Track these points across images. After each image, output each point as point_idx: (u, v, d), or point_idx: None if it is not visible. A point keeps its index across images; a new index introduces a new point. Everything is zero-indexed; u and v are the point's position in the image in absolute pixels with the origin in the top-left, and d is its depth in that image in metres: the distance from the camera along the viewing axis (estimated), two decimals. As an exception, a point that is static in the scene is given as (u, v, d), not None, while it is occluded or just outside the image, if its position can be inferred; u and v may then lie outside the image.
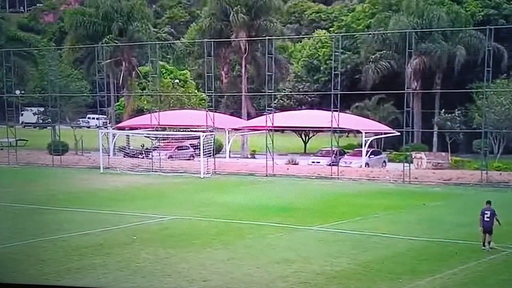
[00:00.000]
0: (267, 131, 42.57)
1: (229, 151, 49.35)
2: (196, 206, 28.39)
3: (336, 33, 60.50)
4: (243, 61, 55.04)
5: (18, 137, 53.04)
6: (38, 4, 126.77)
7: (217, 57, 52.93)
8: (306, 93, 63.86)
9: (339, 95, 41.22)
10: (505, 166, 39.90)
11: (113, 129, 53.01)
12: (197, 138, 43.94)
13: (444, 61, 51.51)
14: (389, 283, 16.25)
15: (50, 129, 55.37)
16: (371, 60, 55.00)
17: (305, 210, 27.47)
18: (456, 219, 25.28)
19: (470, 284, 16.43)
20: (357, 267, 17.71)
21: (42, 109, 60.35)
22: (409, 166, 38.78)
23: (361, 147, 45.52)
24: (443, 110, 50.59)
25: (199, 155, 41.50)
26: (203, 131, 43.42)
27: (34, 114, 62.51)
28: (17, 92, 56.04)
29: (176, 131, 50.52)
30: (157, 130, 47.12)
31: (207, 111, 45.42)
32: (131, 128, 53.12)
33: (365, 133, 45.66)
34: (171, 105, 54.53)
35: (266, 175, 40.77)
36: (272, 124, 42.45)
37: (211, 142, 42.40)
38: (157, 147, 47.29)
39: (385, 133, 47.86)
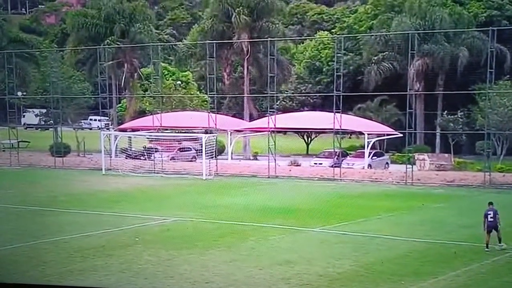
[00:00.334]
0: (269, 132, 42.51)
1: (231, 153, 49.27)
2: (198, 207, 28.33)
3: (338, 34, 60.52)
4: (245, 62, 55.04)
5: (20, 138, 53.02)
6: (40, 6, 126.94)
7: (219, 59, 52.91)
8: (308, 94, 63.72)
9: (341, 96, 41.12)
10: (508, 167, 39.76)
11: (115, 130, 53.07)
12: (195, 140, 43.95)
13: (447, 63, 51.42)
14: (391, 285, 16.18)
15: (52, 130, 55.56)
16: (374, 61, 54.96)
17: (307, 211, 27.40)
18: (459, 220, 25.23)
19: (473, 286, 16.37)
20: (359, 269, 17.64)
21: (44, 110, 60.28)
22: (412, 167, 38.73)
23: (364, 149, 45.41)
24: (446, 111, 50.39)
25: (201, 157, 41.38)
26: (205, 132, 43.31)
27: (36, 115, 62.39)
28: (19, 93, 55.92)
29: (178, 132, 50.49)
30: (158, 132, 47.04)
31: (209, 113, 45.35)
32: (133, 130, 53.01)
33: (368, 134, 45.53)
34: (173, 106, 54.45)
35: (269, 177, 40.70)
36: (274, 125, 42.36)
37: (213, 144, 42.28)
38: (150, 148, 47.24)
39: (387, 135, 47.75)
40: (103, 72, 49.64)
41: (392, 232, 22.69)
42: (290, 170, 42.27)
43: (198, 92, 62.77)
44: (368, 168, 42.77)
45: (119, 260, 18.51)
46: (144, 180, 39.51)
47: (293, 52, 74.11)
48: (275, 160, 41.52)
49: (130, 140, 51.22)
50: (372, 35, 56.44)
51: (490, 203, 20.38)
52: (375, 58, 55.06)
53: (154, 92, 52.85)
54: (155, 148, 46.74)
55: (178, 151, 48.35)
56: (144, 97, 57.76)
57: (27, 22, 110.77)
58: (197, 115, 50.70)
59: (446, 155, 45.26)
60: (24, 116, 70.00)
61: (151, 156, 45.06)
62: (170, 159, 45.94)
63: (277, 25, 54.13)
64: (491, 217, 19.78)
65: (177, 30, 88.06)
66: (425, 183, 37.30)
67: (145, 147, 48.13)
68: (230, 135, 49.41)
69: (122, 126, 55.26)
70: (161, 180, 39.50)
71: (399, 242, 21.23)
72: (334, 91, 41.77)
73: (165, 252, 19.42)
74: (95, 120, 73.26)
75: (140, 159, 46.41)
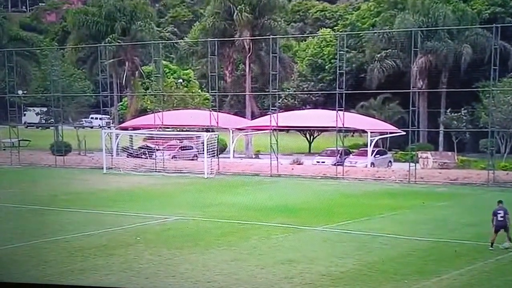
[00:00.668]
0: (272, 130, 42.35)
1: (233, 151, 49.12)
2: (200, 206, 28.22)
3: (341, 31, 60.56)
4: (247, 60, 54.84)
5: (21, 137, 52.79)
6: (40, 4, 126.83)
7: (221, 57, 52.78)
8: (310, 92, 63.53)
9: (344, 94, 40.90)
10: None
11: (116, 129, 52.88)
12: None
13: (450, 60, 51.09)
14: (395, 284, 16.07)
15: (53, 129, 55.53)
16: (376, 59, 54.69)
17: (310, 210, 27.31)
18: (462, 219, 25.14)
19: (476, 285, 16.26)
20: (362, 268, 17.54)
21: (44, 109, 60.17)
22: (415, 166, 38.53)
23: (367, 147, 45.25)
24: (449, 109, 50.21)
25: (201, 155, 41.22)
26: (206, 131, 43.15)
27: (37, 114, 62.26)
28: (20, 92, 55.79)
29: (179, 131, 50.31)
30: (158, 130, 46.91)
31: (210, 111, 45.18)
32: (134, 128, 52.97)
33: (371, 132, 45.39)
34: (175, 105, 54.32)
35: (271, 175, 40.57)
36: (277, 123, 42.23)
37: (214, 142, 42.11)
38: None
39: (390, 133, 47.55)
40: (104, 71, 49.48)
41: (395, 230, 22.59)
42: (292, 169, 42.13)
43: (199, 90, 62.66)
44: (371, 166, 42.56)
45: (120, 259, 18.43)
46: (145, 179, 39.39)
47: (296, 49, 73.93)
48: (277, 158, 41.37)
49: (131, 138, 51.05)
50: (375, 33, 56.16)
51: (500, 202, 20.07)
52: (378, 55, 54.80)
53: (156, 90, 52.67)
54: (149, 147, 46.53)
55: (180, 150, 48.14)
56: (146, 95, 57.61)
57: (28, 20, 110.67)
58: (199, 113, 50.58)
59: (450, 153, 45.07)
60: (24, 114, 69.98)
61: (152, 154, 44.76)
62: (172, 158, 45.76)
63: (279, 23, 53.95)
64: (501, 216, 19.52)
65: (178, 28, 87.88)
66: (428, 182, 37.16)
67: (143, 146, 47.92)
68: (232, 133, 49.22)
69: (123, 125, 55.13)
70: (162, 179, 39.37)
71: (402, 241, 21.12)
72: (337, 89, 41.59)
73: (167, 251, 19.32)
74: (96, 118, 73.23)
75: (141, 157, 46.25)
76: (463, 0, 54.58)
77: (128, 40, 54.31)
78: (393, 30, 52.17)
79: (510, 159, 41.99)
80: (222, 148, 47.85)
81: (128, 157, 46.86)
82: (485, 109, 44.64)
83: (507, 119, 42.42)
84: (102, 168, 42.64)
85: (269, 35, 46.84)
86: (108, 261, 18.20)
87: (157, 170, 42.36)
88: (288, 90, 64.29)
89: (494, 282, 16.51)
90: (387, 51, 54.32)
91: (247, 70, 55.63)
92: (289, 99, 64.31)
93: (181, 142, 49.66)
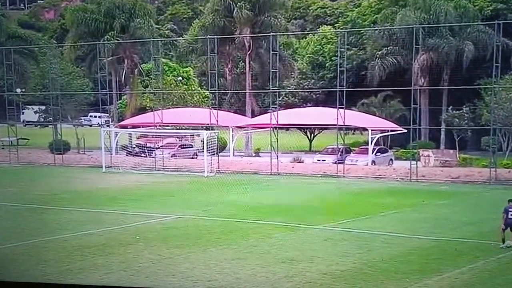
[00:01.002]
0: (272, 129, 42.17)
1: (233, 149, 48.99)
2: (200, 205, 28.04)
3: (341, 29, 60.02)
4: (247, 58, 54.71)
5: (19, 136, 52.67)
6: (38, 1, 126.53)
7: (221, 54, 52.70)
8: (311, 90, 63.41)
9: (345, 92, 40.66)
10: None
11: (116, 127, 52.70)
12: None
13: (452, 57, 50.81)
14: (396, 283, 15.90)
15: (51, 127, 55.05)
16: (377, 56, 54.42)
17: (310, 209, 27.14)
18: (464, 217, 24.99)
19: (478, 284, 16.08)
20: (363, 266, 17.37)
21: (43, 107, 59.94)
22: (416, 164, 38.41)
23: (367, 145, 45.08)
24: (451, 107, 49.88)
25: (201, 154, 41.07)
26: (206, 129, 43.01)
27: (35, 112, 62.03)
28: (18, 90, 55.65)
29: (179, 129, 50.14)
30: (158, 129, 46.74)
31: (210, 109, 44.96)
32: (134, 127, 52.78)
33: (372, 130, 45.25)
34: (174, 103, 54.13)
35: (271, 174, 40.42)
36: (277, 121, 42.06)
37: (214, 140, 41.90)
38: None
39: (391, 131, 47.39)
40: (103, 68, 49.28)
41: (396, 229, 22.42)
42: (292, 167, 41.97)
43: (199, 88, 62.44)
44: (372, 164, 42.42)
45: (119, 258, 18.29)
46: (145, 177, 39.26)
47: (296, 47, 73.69)
48: (277, 156, 41.21)
49: (131, 137, 50.90)
50: (376, 30, 55.93)
51: (511, 200, 19.82)
52: (379, 52, 54.52)
53: (155, 88, 52.42)
54: (144, 145, 46.42)
55: (179, 148, 47.99)
56: (145, 93, 57.40)
57: (26, 18, 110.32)
58: (199, 112, 50.39)
59: (451, 151, 44.83)
60: (23, 113, 69.79)
61: (152, 153, 44.59)
62: (171, 156, 45.64)
63: (279, 20, 53.69)
64: (511, 214, 19.29)
65: (177, 25, 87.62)
66: (429, 180, 37.05)
67: (145, 144, 47.75)
68: (232, 131, 49.13)
69: (122, 123, 54.92)
70: (162, 178, 39.23)
71: (403, 239, 20.95)
72: (338, 87, 41.36)
73: (166, 250, 19.17)
74: (95, 116, 72.97)
75: (141, 156, 46.07)
76: (465, -4, 54.33)
77: (127, 37, 54.18)
78: (394, 27, 52.04)
79: (513, 157, 41.79)
80: (222, 147, 47.67)
81: (127, 155, 46.74)
82: (487, 107, 44.45)
83: (509, 117, 42.26)
84: (102, 167, 42.46)
85: (269, 33, 46.75)
86: (108, 260, 18.08)
87: (156, 169, 42.23)
88: (288, 88, 64.09)
89: (496, 280, 16.36)
90: (388, 48, 54.01)
91: (247, 67, 55.46)
92: (290, 97, 64.16)
93: (181, 140, 49.44)
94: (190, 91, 58.19)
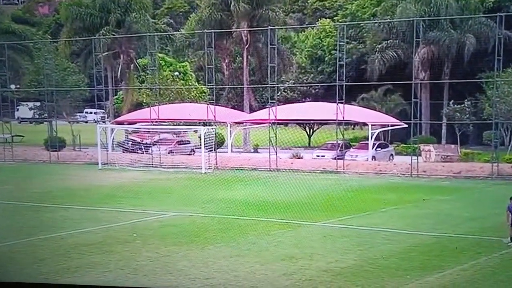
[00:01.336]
0: (270, 124, 41.98)
1: (231, 145, 48.76)
2: (197, 202, 27.95)
3: (341, 22, 59.70)
4: (245, 52, 54.35)
5: (14, 133, 52.60)
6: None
7: (218, 49, 52.38)
8: (310, 84, 62.97)
9: (344, 86, 40.37)
10: None
11: (112, 123, 52.50)
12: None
13: (453, 50, 50.46)
14: (397, 280, 15.75)
15: (46, 124, 54.87)
16: (377, 49, 54.19)
17: (309, 205, 27.03)
18: (465, 213, 24.92)
19: (480, 280, 15.93)
20: (363, 263, 17.27)
21: (38, 103, 59.58)
22: (417, 159, 38.28)
23: (368, 140, 44.91)
24: (452, 101, 49.66)
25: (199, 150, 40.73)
26: (204, 125, 42.67)
27: (30, 109, 61.61)
28: (12, 86, 55.30)
29: (176, 125, 49.78)
30: (155, 125, 46.42)
31: (208, 104, 44.70)
32: (130, 123, 52.60)
33: (372, 125, 45.09)
34: (171, 98, 53.79)
35: (270, 170, 40.27)
36: (275, 117, 41.85)
37: (212, 136, 41.52)
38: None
39: (392, 125, 47.28)
40: (99, 64, 49.04)
41: (397, 225, 22.33)
42: (291, 163, 41.77)
43: (196, 83, 62.06)
44: (372, 160, 42.26)
45: (117, 256, 18.20)
46: (141, 174, 39.18)
47: (294, 41, 73.43)
48: (276, 152, 41.03)
49: (127, 133, 50.57)
50: (376, 23, 55.61)
51: None
52: (379, 46, 54.33)
53: (151, 83, 52.04)
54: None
55: (176, 144, 47.68)
56: (141, 88, 57.02)
57: (20, 13, 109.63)
58: (196, 107, 50.09)
59: (453, 146, 44.62)
60: (17, 109, 69.44)
61: (149, 149, 44.35)
62: (168, 153, 45.43)
63: (277, 13, 53.36)
64: None
65: (174, 19, 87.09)
66: (430, 175, 36.99)
67: (142, 140, 47.33)
68: (230, 127, 48.89)
69: (118, 119, 54.76)
70: (159, 174, 39.14)
71: (404, 236, 20.84)
72: (337, 81, 41.09)
73: (164, 248, 19.09)
74: (91, 113, 73.05)
75: (137, 152, 45.83)
76: (466, -12, 53.80)
77: (123, 32, 53.85)
78: (395, 20, 51.72)
79: (515, 152, 41.65)
80: (219, 143, 47.46)
81: (123, 152, 46.45)
82: (489, 101, 44.14)
83: (511, 111, 41.80)
84: (98, 164, 42.29)
85: (267, 26, 46.34)
86: (105, 258, 17.98)
87: (153, 165, 42.07)
88: (287, 83, 63.75)
89: (498, 277, 16.22)
90: (388, 41, 53.72)
91: (244, 62, 55.15)
92: (288, 91, 63.75)
93: (178, 136, 49.09)
94: (187, 87, 57.79)
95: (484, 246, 19.20)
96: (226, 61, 56.96)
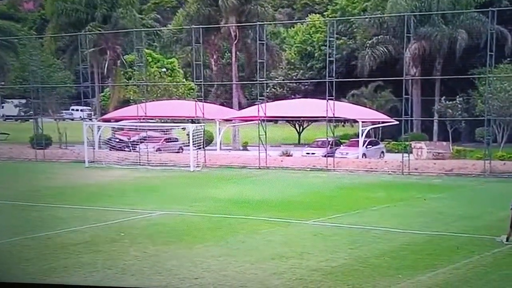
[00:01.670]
0: (259, 121, 41.75)
1: (220, 143, 48.36)
2: (186, 200, 27.69)
3: (330, 17, 59.42)
4: (233, 48, 54.05)
5: (-1, 130, 51.82)
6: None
7: (206, 44, 52.04)
8: (299, 81, 62.64)
9: (334, 82, 40.12)
10: (509, 155, 38.91)
11: (98, 121, 52.08)
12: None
13: (445, 46, 50.22)
14: (388, 279, 15.52)
15: (32, 122, 54.25)
16: (368, 45, 53.97)
17: (300, 203, 26.84)
18: (458, 211, 24.69)
19: (473, 279, 15.70)
20: (354, 262, 17.05)
21: (23, 101, 59.12)
22: (409, 156, 38.14)
23: (358, 137, 44.54)
24: (444, 97, 49.35)
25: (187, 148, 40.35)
26: (192, 122, 42.25)
27: (15, 106, 61.15)
28: (-3, 83, 54.46)
29: (164, 122, 49.29)
30: (141, 122, 45.96)
31: (196, 101, 44.32)
32: (117, 120, 52.11)
33: (362, 122, 44.68)
34: (159, 95, 53.38)
35: (259, 168, 40.07)
36: (265, 114, 41.64)
37: (200, 134, 41.11)
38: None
39: (383, 122, 46.94)
40: (85, 60, 48.48)
41: (388, 224, 22.06)
42: (281, 161, 41.51)
43: (184, 80, 61.61)
44: (362, 157, 42.00)
45: (104, 256, 17.93)
46: (129, 172, 38.85)
47: (284, 36, 73.19)
48: (265, 150, 40.74)
49: (114, 131, 50.03)
50: (366, 18, 55.34)
51: None
52: (370, 42, 54.15)
53: (138, 80, 51.53)
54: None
55: (164, 142, 47.22)
56: (128, 85, 56.50)
57: (4, 8, 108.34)
58: (184, 104, 49.63)
59: (444, 143, 44.39)
60: (2, 107, 68.96)
61: (136, 147, 43.95)
62: (156, 151, 45.03)
63: (266, 8, 53.11)
64: None
65: (161, 15, 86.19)
66: (422, 173, 36.90)
67: (129, 138, 46.82)
68: (219, 124, 48.52)
69: (105, 116, 54.33)
70: (146, 172, 38.80)
71: (396, 234, 20.59)
72: (327, 77, 40.79)
73: (152, 247, 18.82)
74: (77, 110, 72.62)
75: (124, 150, 45.40)
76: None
77: (109, 28, 53.29)
78: (385, 15, 51.45)
79: (507, 149, 41.41)
80: (208, 140, 47.11)
81: (110, 150, 45.92)
82: (481, 97, 43.86)
83: (504, 107, 41.71)
84: (84, 162, 41.87)
85: (256, 22, 46.07)
86: (93, 258, 17.74)
87: (141, 163, 41.66)
88: (276, 79, 63.44)
89: (491, 276, 16.02)
90: (379, 37, 53.45)
91: (233, 58, 54.85)
92: (278, 88, 63.42)
93: (166, 134, 48.59)
94: (174, 83, 57.31)
95: (477, 244, 19.01)
96: (215, 57, 56.66)
